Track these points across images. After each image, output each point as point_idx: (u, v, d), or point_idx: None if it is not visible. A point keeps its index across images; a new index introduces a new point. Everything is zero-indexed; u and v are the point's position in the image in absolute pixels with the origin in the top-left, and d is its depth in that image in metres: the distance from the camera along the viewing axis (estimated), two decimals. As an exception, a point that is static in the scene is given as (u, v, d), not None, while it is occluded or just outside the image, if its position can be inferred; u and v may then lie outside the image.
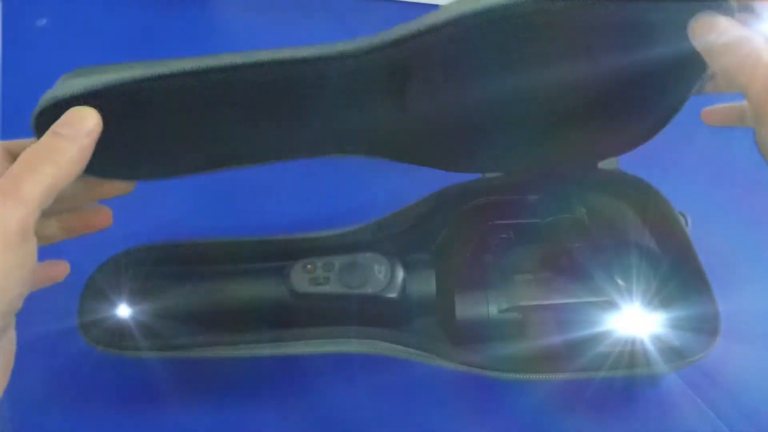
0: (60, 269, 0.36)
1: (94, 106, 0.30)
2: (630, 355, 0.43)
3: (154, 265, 0.48)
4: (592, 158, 0.48)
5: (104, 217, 0.36)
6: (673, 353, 0.43)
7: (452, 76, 0.39)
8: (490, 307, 0.44)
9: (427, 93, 0.40)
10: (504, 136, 0.46)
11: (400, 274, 0.45)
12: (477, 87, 0.40)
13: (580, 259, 0.47)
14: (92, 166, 0.30)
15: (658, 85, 0.40)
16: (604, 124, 0.44)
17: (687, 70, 0.35)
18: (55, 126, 0.29)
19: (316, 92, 0.37)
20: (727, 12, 0.30)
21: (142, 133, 0.36)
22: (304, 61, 0.34)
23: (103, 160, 0.31)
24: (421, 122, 0.43)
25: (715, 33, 0.30)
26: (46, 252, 0.32)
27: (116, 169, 0.36)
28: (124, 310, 0.45)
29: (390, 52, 0.34)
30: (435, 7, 0.32)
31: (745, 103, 0.33)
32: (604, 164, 0.49)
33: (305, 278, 0.45)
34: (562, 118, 0.44)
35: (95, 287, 0.46)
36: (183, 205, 0.56)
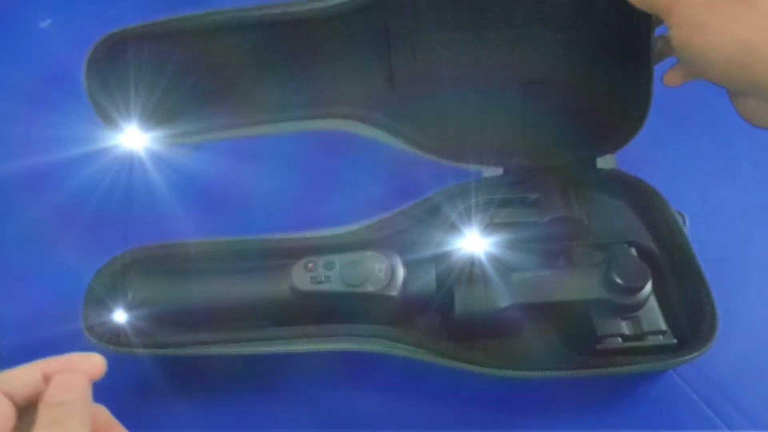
0: None
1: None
2: (628, 353, 0.44)
3: (157, 264, 0.48)
4: (588, 150, 0.49)
5: None
6: (671, 351, 0.43)
7: (426, 37, 0.44)
8: (490, 306, 0.44)
9: (408, 56, 0.45)
10: (487, 122, 0.48)
11: (401, 272, 0.45)
12: (450, 51, 0.45)
13: (579, 258, 0.47)
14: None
15: (619, 56, 0.44)
16: (586, 106, 0.47)
17: (636, 36, 0.41)
18: (49, 395, 0.26)
19: (301, 48, 0.43)
20: None
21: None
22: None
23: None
24: (407, 94, 0.45)
25: None
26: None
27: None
28: (126, 309, 0.45)
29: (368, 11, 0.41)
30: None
31: None
32: (603, 164, 0.50)
33: (306, 277, 0.45)
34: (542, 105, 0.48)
35: (98, 287, 0.46)
36: (184, 205, 0.56)
